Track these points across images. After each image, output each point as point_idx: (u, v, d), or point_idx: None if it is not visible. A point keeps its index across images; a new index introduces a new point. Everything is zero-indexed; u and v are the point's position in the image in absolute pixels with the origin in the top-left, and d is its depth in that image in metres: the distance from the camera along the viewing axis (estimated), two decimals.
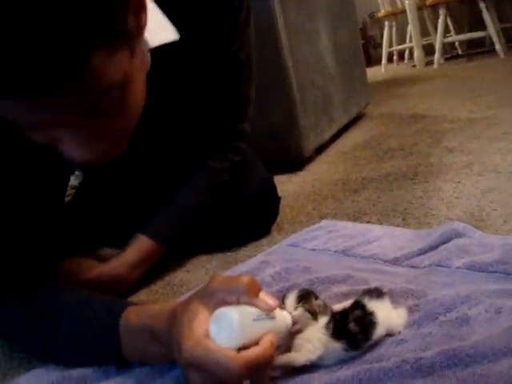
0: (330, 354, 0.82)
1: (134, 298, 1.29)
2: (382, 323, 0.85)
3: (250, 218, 1.47)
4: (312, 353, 0.81)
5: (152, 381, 0.81)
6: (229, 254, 1.46)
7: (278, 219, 1.60)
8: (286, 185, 2.11)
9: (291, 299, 0.85)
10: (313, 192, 1.93)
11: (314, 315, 0.83)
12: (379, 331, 0.85)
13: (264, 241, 1.51)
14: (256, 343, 0.69)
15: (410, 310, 0.93)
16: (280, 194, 1.59)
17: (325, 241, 1.34)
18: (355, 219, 1.54)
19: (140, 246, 1.30)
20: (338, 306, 0.94)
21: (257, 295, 0.72)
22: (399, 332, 0.88)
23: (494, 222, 1.32)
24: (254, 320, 0.72)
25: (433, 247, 1.18)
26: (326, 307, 0.87)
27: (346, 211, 1.63)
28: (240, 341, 0.68)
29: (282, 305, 0.84)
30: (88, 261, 1.30)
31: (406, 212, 1.51)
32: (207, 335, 0.67)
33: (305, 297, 0.85)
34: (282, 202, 1.61)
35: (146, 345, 0.79)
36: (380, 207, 1.60)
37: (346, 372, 0.77)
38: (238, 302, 0.71)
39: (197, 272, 1.40)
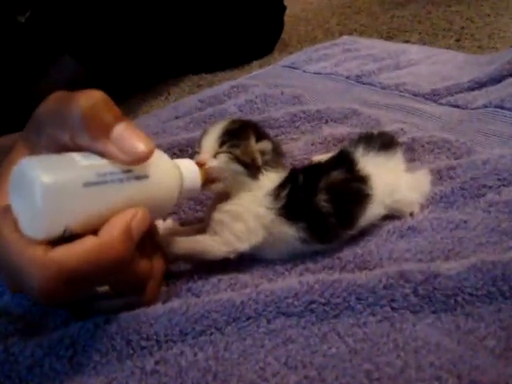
0: (276, 245, 0.45)
1: None
2: (380, 197, 0.47)
3: (240, 31, 1.06)
4: (241, 239, 0.44)
5: None
6: (205, 76, 1.06)
7: (286, 36, 1.17)
8: None
9: (211, 138, 0.46)
10: (342, 4, 1.44)
11: (250, 169, 0.45)
12: (373, 211, 0.47)
13: (256, 62, 1.09)
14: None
15: (438, 177, 0.53)
16: (300, 6, 1.15)
17: (336, 62, 0.92)
18: (389, 38, 1.09)
19: None
20: (317, 158, 0.57)
21: (106, 130, 0.33)
22: (411, 214, 0.50)
23: None
24: (95, 183, 0.35)
25: (493, 80, 0.75)
26: (278, 156, 0.48)
27: (379, 28, 1.17)
28: (51, 225, 0.34)
29: (198, 146, 0.46)
30: None
31: (462, 31, 1.05)
32: (7, 210, 0.35)
33: (236, 134, 0.46)
34: (298, 16, 1.19)
35: None
36: (427, 24, 1.13)
37: (301, 278, 0.41)
38: (76, 144, 0.36)
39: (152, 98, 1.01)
